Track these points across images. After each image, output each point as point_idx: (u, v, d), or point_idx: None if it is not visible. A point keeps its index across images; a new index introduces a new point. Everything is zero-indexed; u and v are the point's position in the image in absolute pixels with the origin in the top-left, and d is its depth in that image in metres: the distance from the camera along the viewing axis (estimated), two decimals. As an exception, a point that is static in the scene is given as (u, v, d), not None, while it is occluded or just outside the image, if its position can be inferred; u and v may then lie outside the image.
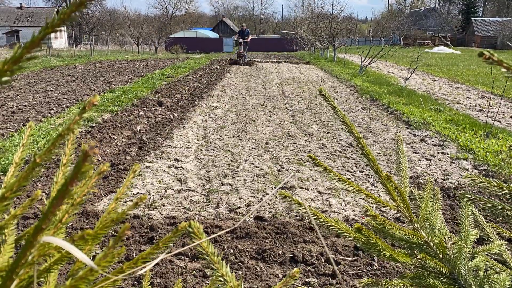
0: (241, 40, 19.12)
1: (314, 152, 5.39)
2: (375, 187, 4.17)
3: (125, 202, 3.51)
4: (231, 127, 6.73)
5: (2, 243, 0.57)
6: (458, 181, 4.38)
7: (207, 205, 3.68)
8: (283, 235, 3.06)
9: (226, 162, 4.87)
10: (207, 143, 5.70)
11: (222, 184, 4.14)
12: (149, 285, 0.88)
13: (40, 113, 7.32)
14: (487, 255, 1.00)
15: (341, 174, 4.30)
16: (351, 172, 4.64)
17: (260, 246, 2.92)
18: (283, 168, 4.69)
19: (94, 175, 0.61)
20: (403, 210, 0.89)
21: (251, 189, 3.95)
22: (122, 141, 5.74)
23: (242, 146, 5.58)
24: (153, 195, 3.84)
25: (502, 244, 1.00)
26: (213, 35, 48.90)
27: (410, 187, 0.98)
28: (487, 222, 1.14)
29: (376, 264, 2.72)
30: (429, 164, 4.94)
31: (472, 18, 51.84)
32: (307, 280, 2.54)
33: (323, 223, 0.85)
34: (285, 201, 3.16)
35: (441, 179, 4.43)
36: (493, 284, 0.85)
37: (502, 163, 4.79)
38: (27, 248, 0.42)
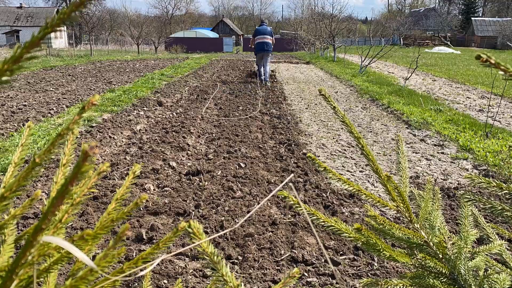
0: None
1: (314, 152, 5.38)
2: (375, 187, 4.17)
3: (125, 202, 3.51)
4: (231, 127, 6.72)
5: (2, 243, 0.57)
6: (458, 181, 4.38)
7: (207, 205, 3.68)
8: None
9: (224, 161, 4.86)
10: (207, 143, 5.70)
11: (222, 184, 4.14)
12: (149, 285, 0.88)
13: (40, 113, 7.32)
14: (487, 255, 1.00)
15: (341, 174, 4.29)
16: (351, 172, 4.64)
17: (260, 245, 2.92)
18: (283, 168, 4.69)
19: (94, 175, 0.61)
20: (402, 210, 0.89)
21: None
22: (122, 141, 5.74)
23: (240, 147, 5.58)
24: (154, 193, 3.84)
25: (502, 244, 1.00)
26: (213, 35, 48.95)
27: (410, 187, 0.98)
28: (487, 222, 1.14)
29: (376, 264, 2.72)
30: (429, 164, 4.94)
31: (472, 18, 51.86)
32: (308, 280, 2.54)
33: (323, 223, 0.85)
34: (284, 202, 3.15)
35: (441, 179, 4.43)
36: (492, 284, 0.85)
37: (502, 163, 4.79)
38: (27, 248, 0.42)
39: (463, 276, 0.87)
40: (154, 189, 3.97)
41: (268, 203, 3.57)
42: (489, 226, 1.10)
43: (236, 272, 2.61)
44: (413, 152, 5.44)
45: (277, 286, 0.65)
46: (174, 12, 71.95)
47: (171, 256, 2.73)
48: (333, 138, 6.13)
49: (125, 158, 4.88)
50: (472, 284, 0.86)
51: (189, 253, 2.81)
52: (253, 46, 11.60)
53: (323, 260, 2.76)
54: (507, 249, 1.07)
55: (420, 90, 11.36)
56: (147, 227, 3.17)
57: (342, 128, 6.76)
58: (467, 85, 12.78)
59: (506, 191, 0.83)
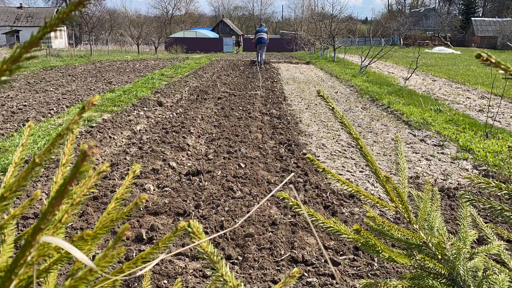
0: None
1: (314, 152, 5.39)
2: (375, 187, 4.17)
3: (125, 202, 3.51)
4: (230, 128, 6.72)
5: (2, 243, 0.57)
6: (458, 181, 4.38)
7: (207, 205, 3.68)
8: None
9: (224, 161, 4.86)
10: (207, 143, 5.71)
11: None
12: (149, 285, 0.88)
13: (40, 113, 7.32)
14: (485, 255, 1.00)
15: (341, 175, 4.29)
16: (350, 172, 4.64)
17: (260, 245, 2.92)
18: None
19: (93, 175, 0.62)
20: (401, 211, 0.89)
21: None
22: (122, 141, 5.74)
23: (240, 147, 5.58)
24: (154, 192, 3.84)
25: (500, 244, 1.00)
26: (213, 35, 48.91)
27: (409, 188, 0.98)
28: (486, 223, 1.14)
29: (376, 265, 2.72)
30: (429, 164, 4.94)
31: (472, 18, 51.85)
32: (308, 280, 2.54)
33: (322, 224, 0.85)
34: (284, 202, 3.14)
35: (441, 179, 4.43)
36: (491, 285, 0.85)
37: (502, 163, 4.79)
38: (27, 248, 0.42)
39: (462, 276, 0.87)
40: (154, 189, 3.98)
41: (268, 203, 3.57)
42: (487, 226, 1.10)
43: (236, 272, 2.61)
44: (413, 152, 5.44)
45: (277, 286, 0.65)
46: (174, 12, 71.96)
47: (171, 256, 2.73)
48: (333, 138, 6.13)
49: (125, 158, 4.88)
50: (471, 285, 0.86)
51: (189, 253, 2.81)
52: (254, 41, 18.37)
53: (323, 260, 2.76)
54: (505, 249, 1.07)
55: (420, 90, 11.36)
56: (147, 227, 3.17)
57: (342, 128, 6.75)
58: (467, 85, 12.78)
59: (506, 191, 0.83)
